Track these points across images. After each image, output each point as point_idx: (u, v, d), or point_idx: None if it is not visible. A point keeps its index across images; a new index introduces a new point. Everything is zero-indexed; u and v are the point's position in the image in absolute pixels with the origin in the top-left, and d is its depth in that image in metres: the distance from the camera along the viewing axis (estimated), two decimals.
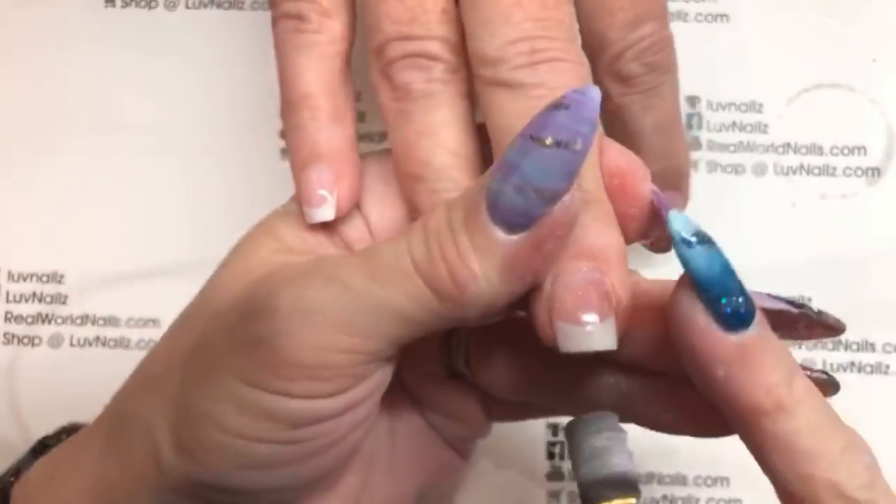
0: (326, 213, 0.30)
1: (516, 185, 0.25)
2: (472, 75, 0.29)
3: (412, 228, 0.27)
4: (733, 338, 0.25)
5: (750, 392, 0.25)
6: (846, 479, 0.25)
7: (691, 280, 0.25)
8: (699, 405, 0.27)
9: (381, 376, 0.28)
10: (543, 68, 0.28)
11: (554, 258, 0.26)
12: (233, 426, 0.27)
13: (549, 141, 0.25)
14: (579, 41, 0.29)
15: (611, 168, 0.28)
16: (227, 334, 0.28)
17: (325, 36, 0.30)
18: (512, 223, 0.25)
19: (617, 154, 0.28)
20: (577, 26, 0.29)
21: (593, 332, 0.26)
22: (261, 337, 0.26)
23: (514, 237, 0.25)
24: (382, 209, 0.30)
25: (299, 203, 0.30)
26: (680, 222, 0.25)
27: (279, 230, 0.30)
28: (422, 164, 0.29)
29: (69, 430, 0.34)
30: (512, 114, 0.28)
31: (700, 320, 0.25)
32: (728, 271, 0.25)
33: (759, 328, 0.25)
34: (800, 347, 0.41)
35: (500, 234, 0.25)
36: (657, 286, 0.28)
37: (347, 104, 0.31)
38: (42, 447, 0.33)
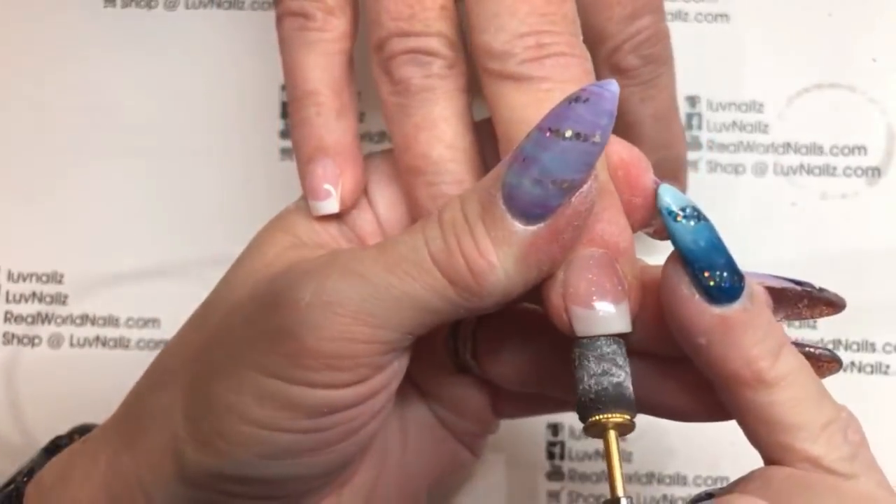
0: (331, 206, 0.30)
1: (535, 177, 0.26)
2: (469, 70, 0.30)
3: (427, 221, 0.27)
4: (716, 310, 0.26)
5: (731, 362, 0.26)
6: (825, 451, 0.26)
7: (677, 253, 0.26)
8: (704, 386, 0.28)
9: (398, 366, 0.29)
10: (550, 62, 0.28)
11: (570, 247, 0.27)
12: (254, 416, 0.27)
13: (568, 133, 0.25)
14: (581, 36, 0.30)
15: (614, 160, 0.28)
16: (246, 326, 0.28)
17: (330, 34, 0.31)
18: (529, 214, 0.26)
19: (619, 146, 0.29)
20: (578, 21, 0.30)
21: (608, 316, 0.27)
22: (283, 327, 0.27)
23: (532, 228, 0.26)
24: (392, 205, 0.31)
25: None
26: (669, 196, 0.26)
27: (294, 226, 0.31)
28: (420, 157, 0.29)
29: (82, 431, 0.34)
30: (519, 106, 0.28)
31: (684, 291, 0.26)
32: (715, 247, 0.26)
33: (746, 303, 0.26)
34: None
35: (517, 225, 0.26)
36: (657, 271, 0.28)
37: (351, 100, 0.31)
38: (55, 447, 0.33)
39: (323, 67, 0.31)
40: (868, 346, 0.41)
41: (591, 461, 0.41)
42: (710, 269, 0.26)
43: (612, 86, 0.25)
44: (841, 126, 0.42)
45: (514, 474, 0.41)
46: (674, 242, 0.26)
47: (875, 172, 0.42)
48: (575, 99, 0.25)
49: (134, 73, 0.44)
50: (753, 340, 0.26)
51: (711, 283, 0.26)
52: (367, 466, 0.32)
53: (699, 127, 0.42)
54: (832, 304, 0.29)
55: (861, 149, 0.42)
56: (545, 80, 0.28)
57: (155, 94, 0.43)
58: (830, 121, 0.42)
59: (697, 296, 0.26)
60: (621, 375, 0.27)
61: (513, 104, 0.28)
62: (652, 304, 0.28)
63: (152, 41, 0.44)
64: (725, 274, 0.26)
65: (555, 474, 0.41)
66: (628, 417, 0.27)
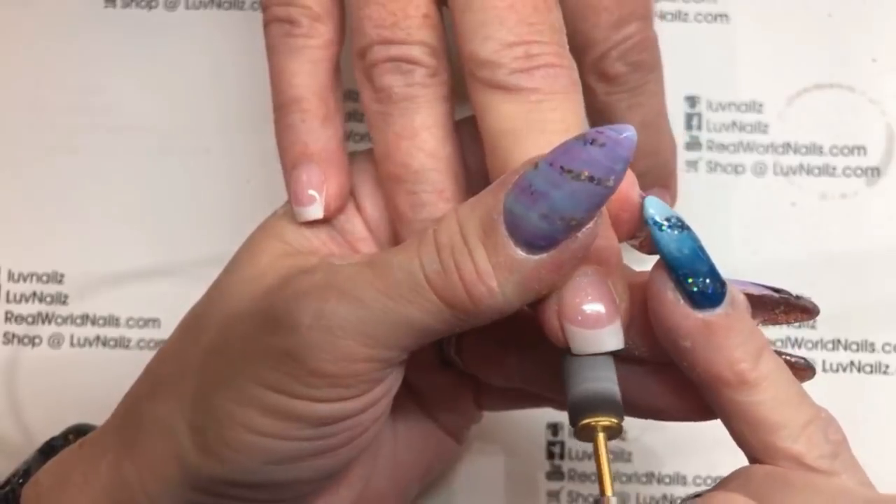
0: (315, 211, 0.30)
1: (543, 212, 0.26)
2: (451, 78, 0.30)
3: (422, 241, 0.27)
4: (700, 314, 0.27)
5: (714, 365, 0.27)
6: (806, 449, 0.27)
7: (663, 260, 0.27)
8: (690, 388, 0.29)
9: (397, 374, 0.29)
10: (539, 73, 0.28)
11: (569, 274, 0.27)
12: (259, 427, 0.28)
13: (583, 176, 0.25)
14: (567, 45, 0.30)
15: None
16: (246, 342, 0.28)
17: (316, 40, 0.31)
18: (533, 245, 0.26)
19: None
20: (564, 30, 0.30)
21: (603, 335, 0.27)
22: (285, 349, 0.27)
23: (535, 257, 0.26)
24: (380, 207, 0.31)
25: None
26: (654, 207, 0.27)
27: (284, 232, 0.31)
28: (401, 166, 0.30)
29: (77, 431, 0.34)
30: (508, 117, 0.28)
31: (669, 297, 0.27)
32: (697, 255, 0.27)
33: (728, 308, 0.27)
34: (800, 347, 0.41)
35: (520, 253, 0.26)
36: (643, 277, 0.29)
37: (337, 106, 0.32)
38: (49, 448, 0.34)
39: (308, 73, 0.31)
40: (868, 346, 0.41)
41: (591, 461, 0.41)
42: (693, 275, 0.27)
43: (630, 131, 0.25)
44: (841, 126, 0.42)
45: (514, 474, 0.41)
46: (659, 251, 0.27)
47: (875, 172, 0.42)
48: (591, 141, 0.25)
49: (134, 73, 0.44)
50: (735, 343, 0.27)
51: (695, 289, 0.27)
52: (362, 462, 0.33)
53: (699, 127, 0.42)
54: (807, 311, 0.30)
55: (861, 149, 0.42)
56: (535, 91, 0.28)
57: (155, 94, 0.43)
58: (830, 121, 0.42)
59: (682, 301, 0.27)
60: (609, 381, 0.28)
61: (502, 114, 0.28)
62: (638, 310, 0.28)
63: (152, 41, 0.44)
64: (708, 280, 0.27)
65: (555, 474, 0.41)
66: (616, 421, 0.27)
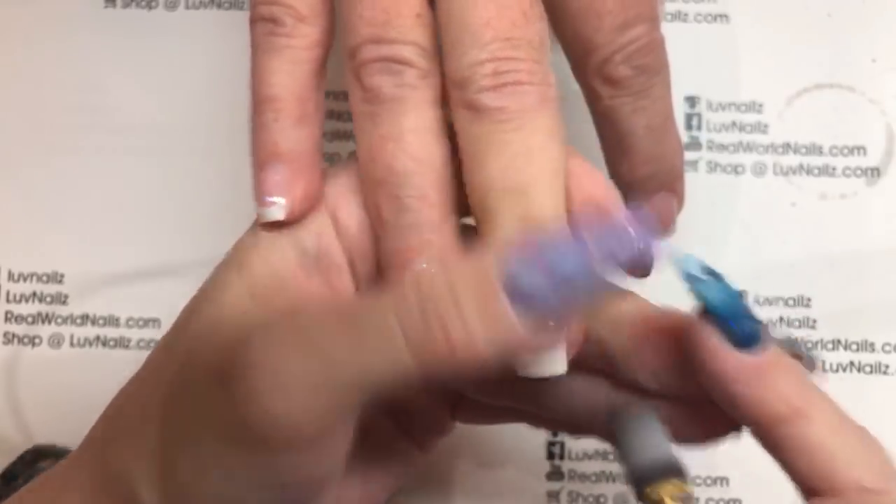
0: (277, 213, 0.29)
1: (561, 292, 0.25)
2: (443, 81, 0.29)
3: (401, 289, 0.25)
4: (749, 356, 0.27)
5: (771, 403, 0.27)
6: (865, 472, 0.27)
7: (706, 310, 0.27)
8: (703, 416, 0.29)
9: (358, 413, 0.27)
10: (507, 91, 0.28)
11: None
12: (217, 490, 0.27)
13: (612, 263, 0.25)
14: (549, 59, 0.29)
15: (583, 197, 0.28)
16: (201, 402, 0.27)
17: (299, 40, 0.30)
18: (532, 310, 0.25)
19: (589, 182, 0.29)
20: (548, 43, 0.29)
21: (545, 360, 0.27)
22: (242, 421, 0.26)
23: (526, 319, 0.25)
24: (361, 230, 0.30)
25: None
26: (688, 263, 0.27)
27: (250, 265, 0.29)
28: (385, 169, 0.29)
29: (34, 452, 0.34)
30: (475, 137, 0.28)
31: (717, 345, 0.27)
32: (736, 299, 0.27)
33: (767, 345, 0.27)
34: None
35: (516, 320, 0.25)
36: (662, 314, 0.29)
37: (316, 109, 0.31)
38: (11, 475, 0.33)
39: (287, 73, 0.30)
40: (868, 346, 0.41)
41: (591, 461, 0.41)
42: (737, 318, 0.27)
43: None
44: (840, 126, 0.42)
45: (513, 474, 0.41)
46: (704, 302, 0.27)
47: (874, 172, 0.42)
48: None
49: (134, 73, 0.44)
50: (785, 379, 0.27)
51: (741, 333, 0.27)
52: (329, 491, 0.31)
53: (699, 127, 0.42)
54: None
55: (860, 149, 0.42)
56: (501, 110, 0.28)
57: (155, 94, 0.43)
58: (830, 121, 0.42)
59: (730, 347, 0.27)
60: (668, 444, 0.28)
61: (470, 134, 0.28)
62: (653, 343, 0.29)
63: (152, 41, 0.44)
64: (750, 321, 0.27)
65: (555, 474, 0.41)
66: (684, 485, 0.28)
